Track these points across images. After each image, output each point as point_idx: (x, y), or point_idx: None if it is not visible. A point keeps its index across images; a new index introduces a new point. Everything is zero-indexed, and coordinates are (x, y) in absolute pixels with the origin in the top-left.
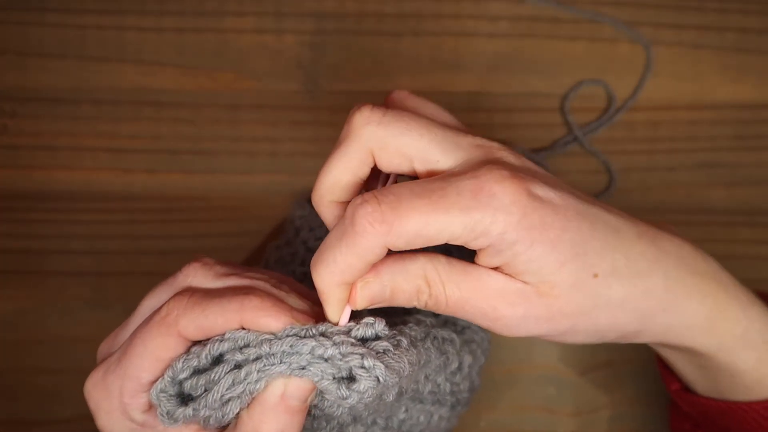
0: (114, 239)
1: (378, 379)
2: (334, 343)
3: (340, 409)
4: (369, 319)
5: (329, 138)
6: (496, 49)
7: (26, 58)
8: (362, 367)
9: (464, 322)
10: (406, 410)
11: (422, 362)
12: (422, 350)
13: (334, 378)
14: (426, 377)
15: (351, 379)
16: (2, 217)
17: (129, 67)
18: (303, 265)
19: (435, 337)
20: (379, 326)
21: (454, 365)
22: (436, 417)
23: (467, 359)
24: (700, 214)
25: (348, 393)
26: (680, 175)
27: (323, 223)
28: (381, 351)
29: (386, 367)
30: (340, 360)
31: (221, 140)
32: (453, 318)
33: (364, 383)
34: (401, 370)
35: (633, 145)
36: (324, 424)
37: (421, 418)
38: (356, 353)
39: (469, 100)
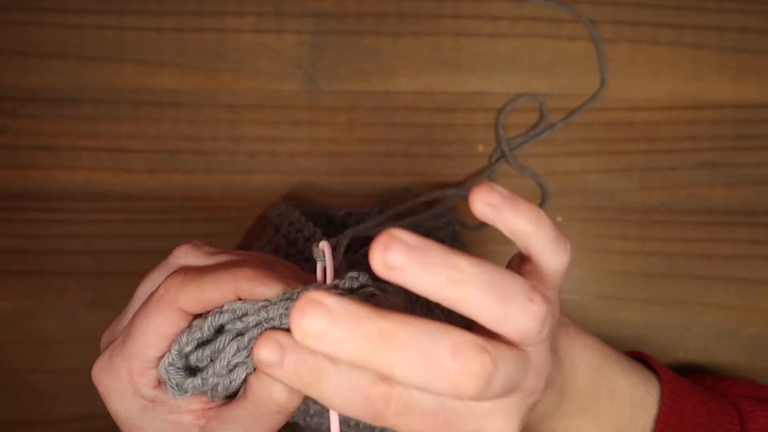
0: (114, 239)
1: None
2: (327, 290)
3: None
4: (353, 273)
5: (329, 138)
6: (496, 49)
7: (26, 58)
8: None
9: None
10: None
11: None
12: (410, 307)
13: None
14: None
15: None
16: (2, 217)
17: (129, 67)
18: (287, 258)
19: (421, 306)
20: (363, 278)
21: None
22: None
23: None
24: (700, 214)
25: None
26: (680, 175)
27: (301, 217)
28: (369, 294)
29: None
30: None
31: (221, 140)
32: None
33: None
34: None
35: (633, 145)
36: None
37: None
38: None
39: (469, 100)
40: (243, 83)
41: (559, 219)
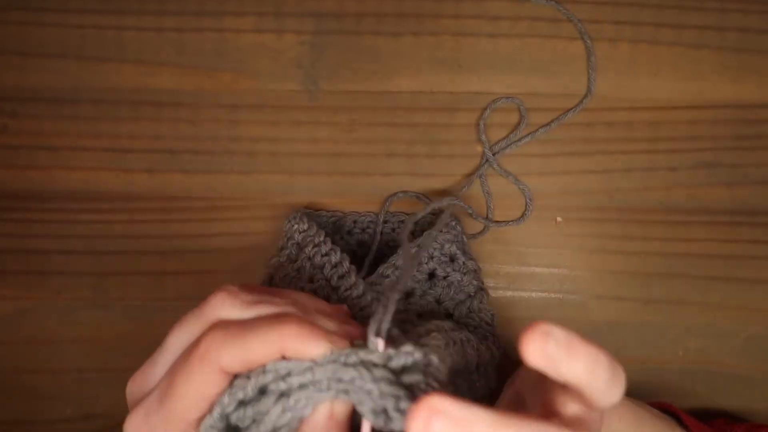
0: (114, 239)
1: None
2: (374, 380)
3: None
4: (407, 348)
5: (329, 138)
6: (496, 49)
7: (26, 58)
8: (397, 410)
9: (474, 321)
10: None
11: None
12: (447, 358)
13: (380, 397)
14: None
15: (397, 399)
16: (2, 217)
17: (128, 67)
18: (312, 281)
19: (455, 342)
20: (417, 355)
21: (473, 365)
22: None
23: (485, 356)
24: (700, 214)
25: (384, 425)
26: (681, 175)
27: (326, 238)
28: (414, 384)
29: (427, 384)
30: (379, 397)
31: (221, 140)
32: (464, 319)
33: (397, 424)
34: (437, 378)
35: (633, 145)
36: None
37: None
38: (392, 395)
39: (469, 100)
40: (243, 83)
41: (559, 219)
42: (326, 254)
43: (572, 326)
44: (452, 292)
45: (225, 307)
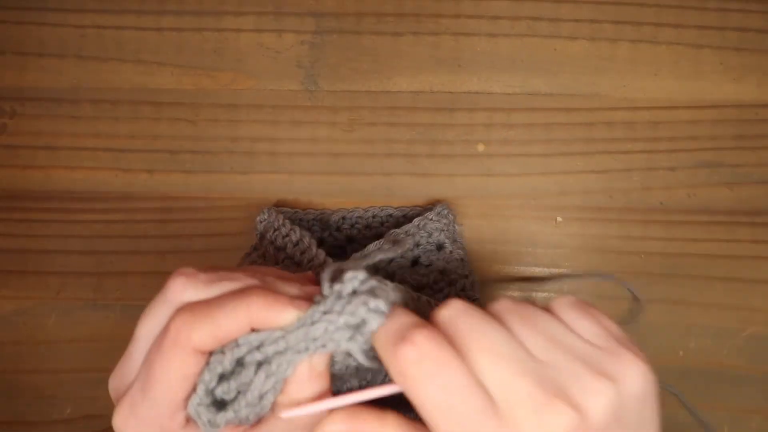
0: (114, 239)
1: (384, 313)
2: (338, 313)
3: (348, 370)
4: (349, 275)
5: (329, 138)
6: (496, 49)
7: (26, 58)
8: (370, 310)
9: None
10: None
11: (416, 303)
12: (410, 301)
13: (350, 338)
14: None
15: (362, 323)
16: (2, 217)
17: (128, 67)
18: (277, 264)
19: (420, 298)
20: (361, 275)
21: None
22: None
23: None
24: (701, 214)
25: (363, 338)
26: (681, 175)
27: (286, 222)
28: (371, 288)
29: (384, 300)
30: (352, 319)
31: (220, 140)
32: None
33: (374, 322)
34: (393, 300)
35: (633, 145)
36: (335, 390)
37: None
38: (359, 305)
39: (469, 100)
40: (243, 83)
41: (559, 219)
42: (286, 235)
43: None
44: (431, 279)
45: (186, 289)
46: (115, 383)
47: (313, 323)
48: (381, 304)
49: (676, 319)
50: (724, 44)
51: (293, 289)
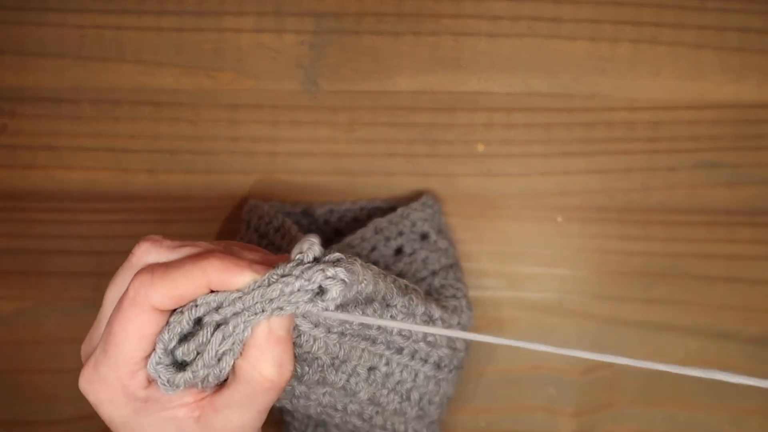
0: (114, 239)
1: (344, 281)
2: (296, 276)
3: (316, 343)
4: (310, 239)
5: (329, 138)
6: (496, 49)
7: (25, 58)
8: (328, 277)
9: (435, 296)
10: (387, 363)
11: (378, 288)
12: (382, 279)
13: (309, 300)
14: (392, 317)
15: (321, 293)
16: (2, 217)
17: (128, 67)
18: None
19: (396, 280)
20: (318, 247)
21: (420, 310)
22: (421, 375)
23: (436, 311)
24: (700, 214)
25: (324, 303)
26: (681, 175)
27: (269, 209)
28: (335, 260)
29: (345, 269)
30: (308, 284)
31: (220, 140)
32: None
33: (334, 289)
34: (357, 272)
35: (633, 145)
36: (306, 368)
37: (404, 373)
38: (317, 271)
39: (469, 100)
40: (243, 83)
41: (559, 219)
42: (269, 222)
43: (572, 326)
44: (414, 268)
45: (150, 253)
46: (84, 348)
47: (269, 285)
48: (341, 273)
49: (676, 319)
50: (724, 44)
51: (254, 255)
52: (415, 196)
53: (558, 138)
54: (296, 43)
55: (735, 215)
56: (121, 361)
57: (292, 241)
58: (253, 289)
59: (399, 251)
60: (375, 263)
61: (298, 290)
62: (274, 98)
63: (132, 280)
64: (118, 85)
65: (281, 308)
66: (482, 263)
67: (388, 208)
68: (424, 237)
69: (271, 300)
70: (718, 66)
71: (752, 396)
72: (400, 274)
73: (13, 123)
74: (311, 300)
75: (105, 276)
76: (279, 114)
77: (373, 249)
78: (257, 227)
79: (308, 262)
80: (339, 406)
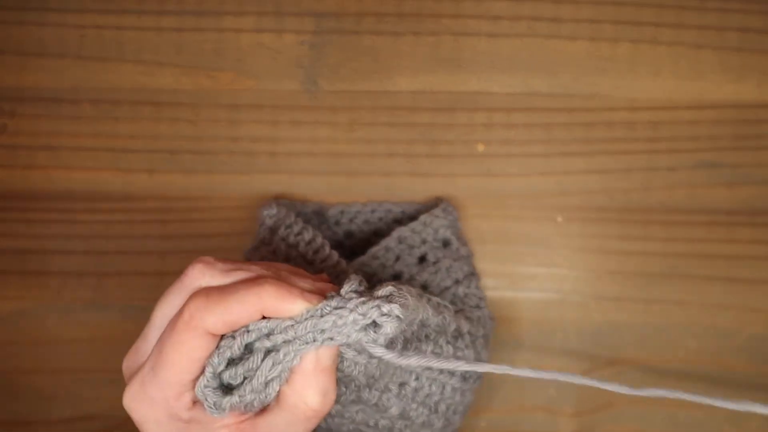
0: (114, 239)
1: (399, 318)
2: (350, 310)
3: (357, 367)
4: (356, 276)
5: (329, 138)
6: (496, 49)
7: (25, 58)
8: (383, 314)
9: (458, 306)
10: (417, 378)
11: (422, 315)
12: (419, 302)
13: (360, 332)
14: (426, 336)
15: (374, 325)
16: (2, 217)
17: (128, 67)
18: (288, 260)
19: (429, 299)
20: (363, 284)
21: (452, 327)
22: (448, 388)
23: (465, 325)
24: (700, 214)
25: (375, 335)
26: (681, 175)
27: (298, 220)
28: (388, 294)
29: (400, 305)
30: (362, 319)
31: (220, 140)
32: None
33: (389, 325)
34: (410, 306)
35: (633, 145)
36: (343, 389)
37: (433, 387)
38: (373, 307)
39: (469, 100)
40: (243, 83)
41: (559, 219)
42: (299, 233)
43: (572, 326)
44: (439, 278)
45: (204, 276)
46: (128, 363)
47: (322, 316)
48: (395, 309)
49: (676, 319)
50: (724, 44)
51: (305, 283)
52: (421, 198)
53: (558, 138)
54: (296, 43)
55: (735, 215)
56: (170, 382)
57: (327, 261)
58: (305, 319)
59: (422, 259)
60: (399, 274)
61: (351, 323)
62: (274, 98)
63: (187, 303)
64: (118, 85)
65: (332, 338)
66: (482, 263)
67: (399, 211)
68: (446, 244)
69: (323, 330)
70: (718, 66)
71: (752, 396)
72: (425, 285)
73: (13, 123)
74: (363, 332)
75: (105, 276)
76: (279, 114)
77: (398, 259)
78: (285, 237)
79: (362, 295)
80: (371, 422)
